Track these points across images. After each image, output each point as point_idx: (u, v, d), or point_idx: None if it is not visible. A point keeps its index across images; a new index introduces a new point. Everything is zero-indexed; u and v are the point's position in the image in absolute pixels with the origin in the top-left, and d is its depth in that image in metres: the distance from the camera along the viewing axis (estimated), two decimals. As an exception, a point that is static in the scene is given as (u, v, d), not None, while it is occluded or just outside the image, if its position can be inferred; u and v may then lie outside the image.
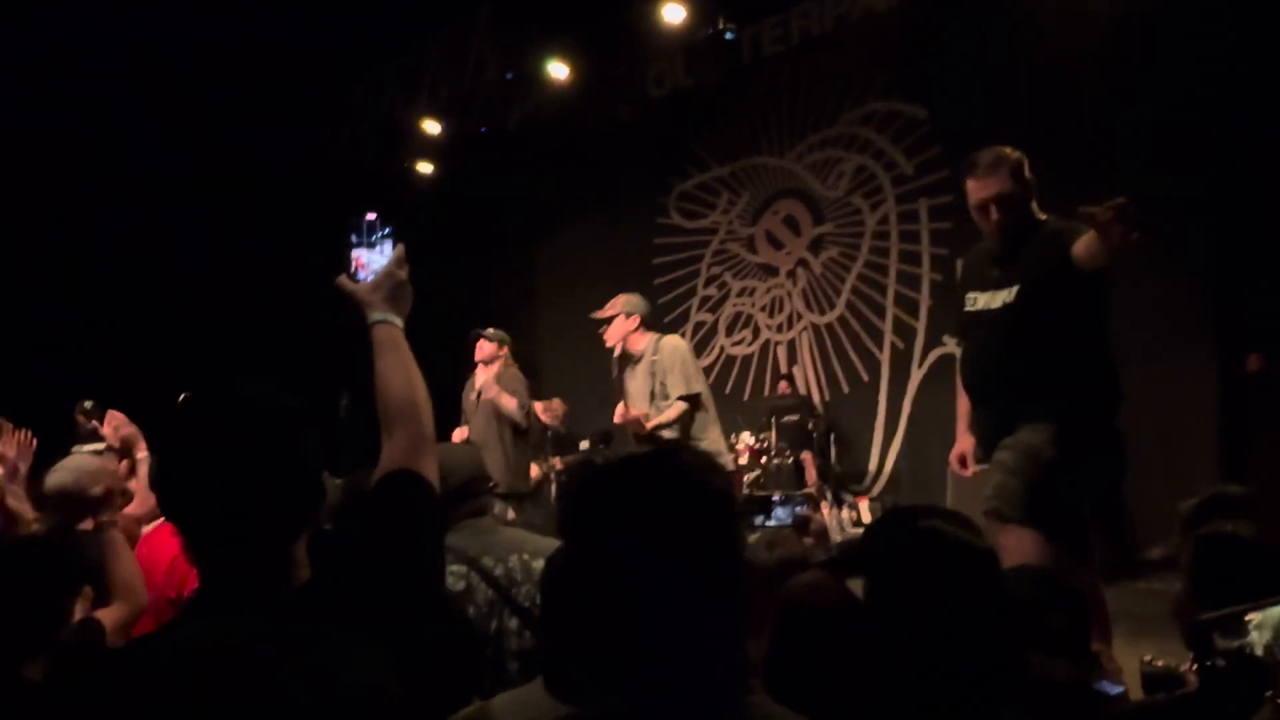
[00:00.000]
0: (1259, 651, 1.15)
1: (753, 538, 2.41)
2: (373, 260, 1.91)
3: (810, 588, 1.51)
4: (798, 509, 2.27)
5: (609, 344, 4.84)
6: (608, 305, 4.89)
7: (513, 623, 2.13)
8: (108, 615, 2.12)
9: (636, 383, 4.74)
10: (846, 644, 1.37)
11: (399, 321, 1.50)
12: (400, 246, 1.55)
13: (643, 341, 4.76)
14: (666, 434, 4.55)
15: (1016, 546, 2.70)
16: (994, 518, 2.80)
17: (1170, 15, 5.80)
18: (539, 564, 2.16)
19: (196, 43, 7.86)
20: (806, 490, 2.41)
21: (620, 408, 4.72)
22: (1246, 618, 1.17)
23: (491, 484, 2.40)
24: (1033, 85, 6.37)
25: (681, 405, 4.52)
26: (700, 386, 4.66)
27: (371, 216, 1.90)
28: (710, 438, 4.63)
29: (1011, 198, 2.93)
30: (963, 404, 3.17)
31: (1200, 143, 5.79)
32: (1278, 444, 5.38)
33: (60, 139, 7.71)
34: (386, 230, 1.91)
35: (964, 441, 3.08)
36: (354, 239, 1.86)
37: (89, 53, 7.51)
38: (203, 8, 7.63)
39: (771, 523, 2.32)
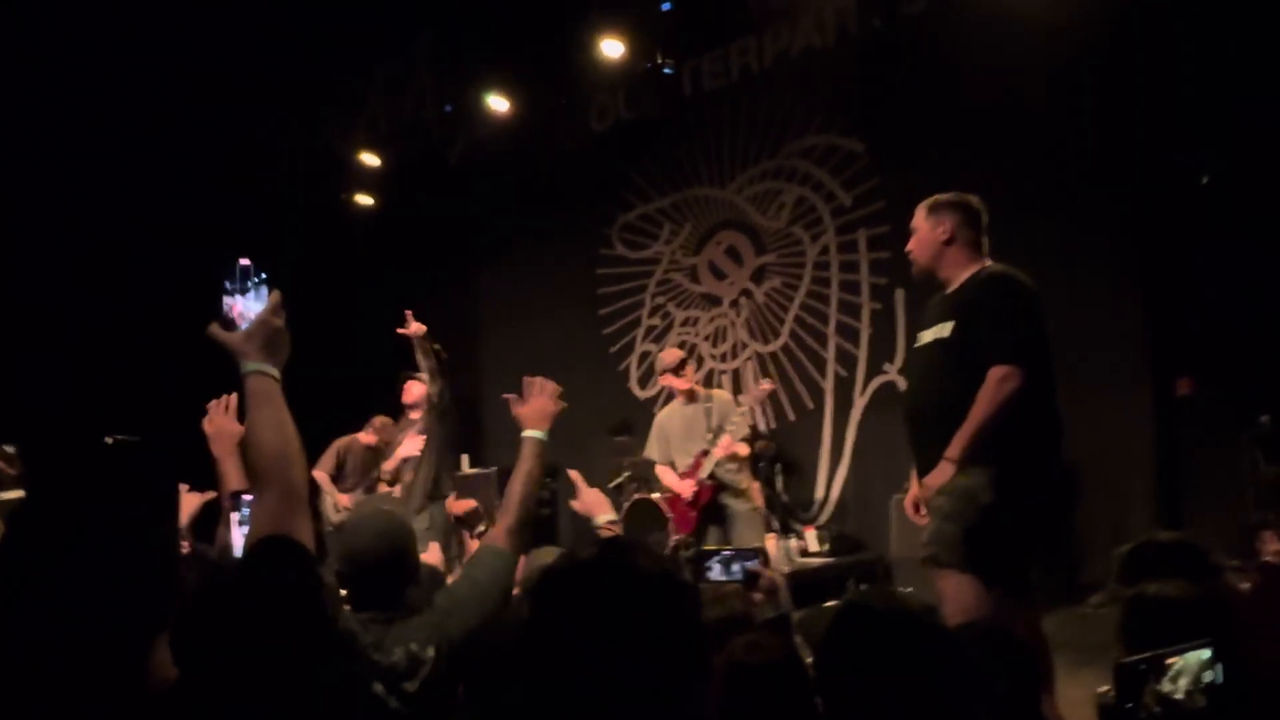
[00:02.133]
0: (1179, 696, 1.15)
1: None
2: (250, 307, 1.82)
3: (750, 646, 1.48)
4: (747, 564, 2.24)
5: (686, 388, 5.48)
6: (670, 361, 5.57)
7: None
8: None
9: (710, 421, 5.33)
10: (792, 702, 1.34)
11: (274, 372, 1.42)
12: (276, 293, 1.47)
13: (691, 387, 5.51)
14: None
15: (955, 593, 2.69)
16: (931, 564, 2.79)
17: (1101, 51, 6.00)
18: (429, 652, 2.07)
19: (125, 70, 7.68)
20: (756, 545, 2.45)
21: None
22: (1167, 661, 1.17)
23: (410, 568, 2.24)
24: (966, 120, 6.54)
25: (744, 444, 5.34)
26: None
27: (245, 262, 1.82)
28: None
29: (932, 239, 3.01)
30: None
31: (1129, 171, 5.98)
32: (1210, 466, 5.53)
33: None
34: (261, 275, 1.82)
35: (915, 488, 3.06)
36: (227, 285, 1.78)
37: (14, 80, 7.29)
38: (130, 34, 7.47)
39: (722, 578, 2.27)
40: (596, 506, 2.41)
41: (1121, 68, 5.94)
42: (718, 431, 5.21)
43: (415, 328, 5.37)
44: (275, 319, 1.45)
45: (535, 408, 2.43)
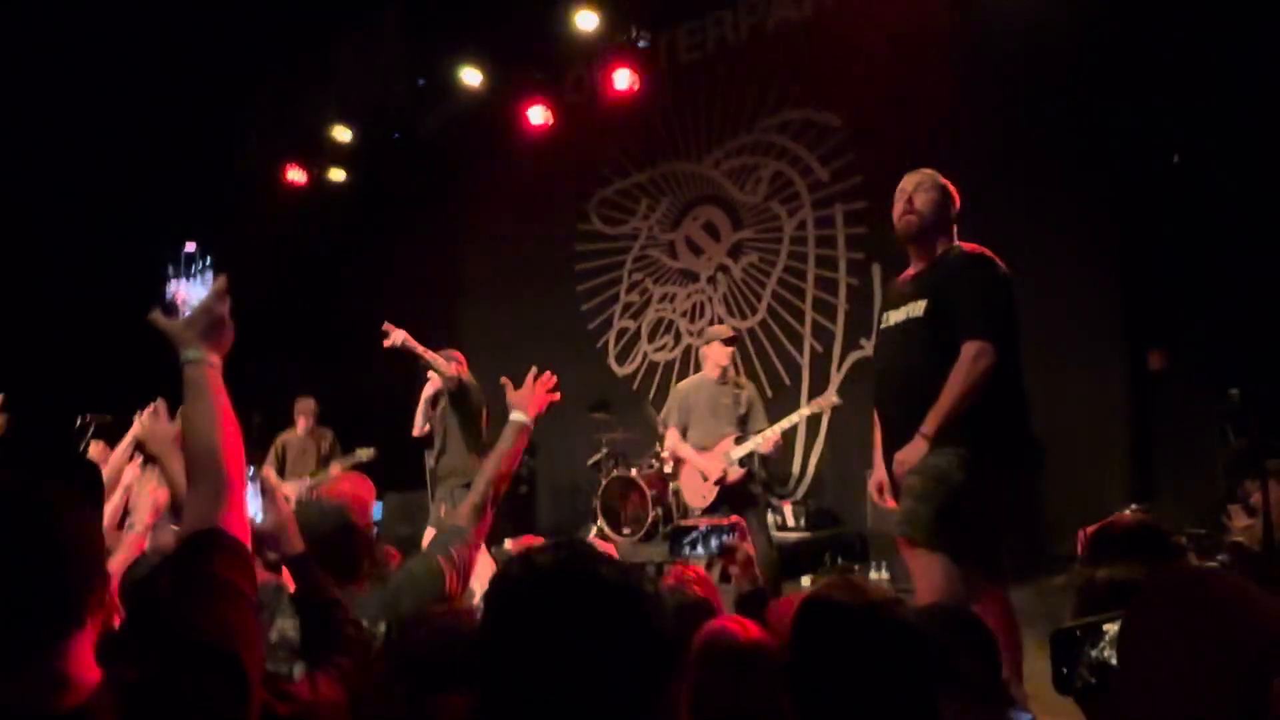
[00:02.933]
0: (1115, 662, 1.17)
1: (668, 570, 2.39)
2: (193, 294, 1.78)
3: (720, 630, 1.49)
4: (724, 538, 2.27)
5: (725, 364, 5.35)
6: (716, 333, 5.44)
7: None
8: None
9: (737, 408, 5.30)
10: (761, 684, 1.35)
11: (214, 360, 1.38)
12: (222, 279, 1.43)
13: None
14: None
15: (926, 571, 2.71)
16: (904, 543, 2.81)
17: (1077, 29, 5.99)
18: (380, 628, 2.07)
19: (92, 43, 7.50)
20: (734, 519, 2.47)
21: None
22: (1104, 627, 1.18)
23: (362, 537, 2.27)
24: (942, 94, 6.52)
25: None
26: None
27: (190, 247, 1.76)
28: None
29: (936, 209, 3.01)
30: (877, 433, 3.18)
31: (1103, 148, 5.99)
32: (1182, 440, 5.60)
33: None
34: (207, 261, 1.77)
35: (880, 471, 3.07)
36: (170, 270, 1.73)
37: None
38: (95, 8, 7.28)
39: (700, 552, 2.31)
40: (520, 402, 2.45)
41: (1097, 47, 5.93)
42: (743, 421, 5.23)
43: (395, 336, 5.32)
44: (218, 306, 1.41)
45: (527, 394, 2.48)
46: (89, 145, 7.83)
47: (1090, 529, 1.87)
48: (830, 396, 5.44)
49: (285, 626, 1.88)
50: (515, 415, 2.48)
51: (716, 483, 5.20)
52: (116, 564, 2.48)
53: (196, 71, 8.10)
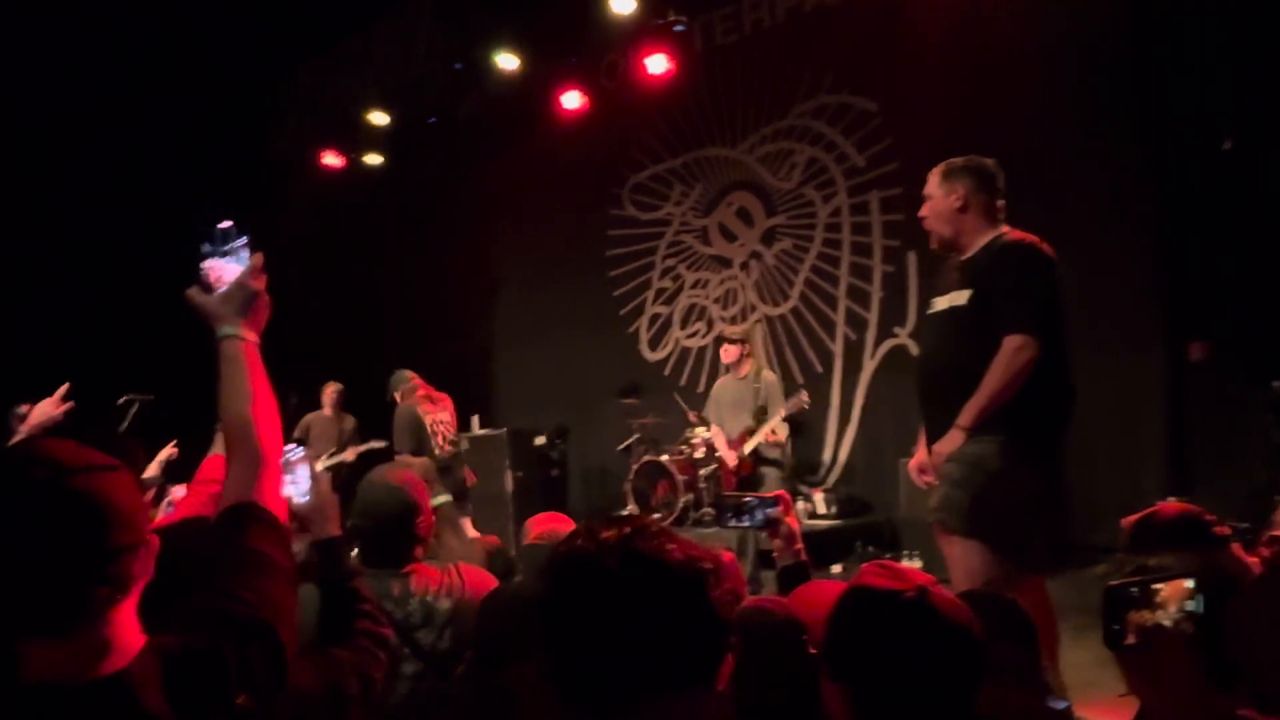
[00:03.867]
0: (1166, 624, 1.17)
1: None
2: (229, 271, 1.79)
3: (756, 609, 1.50)
4: (769, 510, 2.28)
5: (727, 361, 6.05)
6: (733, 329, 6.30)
7: (408, 668, 2.10)
8: None
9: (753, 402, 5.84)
10: (795, 663, 1.36)
11: (252, 336, 1.39)
12: (258, 256, 1.43)
13: (747, 366, 5.97)
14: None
15: (962, 559, 2.70)
16: (940, 529, 2.79)
17: (1121, 11, 5.87)
18: (444, 604, 2.13)
19: (134, 26, 7.60)
20: (779, 493, 2.50)
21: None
22: (1156, 588, 1.19)
23: (422, 521, 2.30)
24: (981, 79, 6.43)
25: (785, 427, 5.78)
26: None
27: (226, 224, 1.78)
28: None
29: (946, 207, 2.96)
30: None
31: (1146, 133, 5.88)
32: (1222, 431, 5.51)
33: None
34: (243, 239, 1.79)
35: (922, 452, 3.04)
36: (207, 248, 1.74)
37: (13, 36, 7.21)
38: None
39: (745, 523, 2.33)
40: None
41: (1142, 28, 5.81)
42: (760, 412, 5.77)
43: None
44: (254, 282, 1.42)
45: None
46: (130, 128, 7.95)
47: (1132, 518, 1.85)
48: (801, 399, 5.95)
49: None
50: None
51: (732, 471, 5.89)
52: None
53: (235, 56, 8.19)
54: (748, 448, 5.79)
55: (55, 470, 1.06)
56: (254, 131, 9.07)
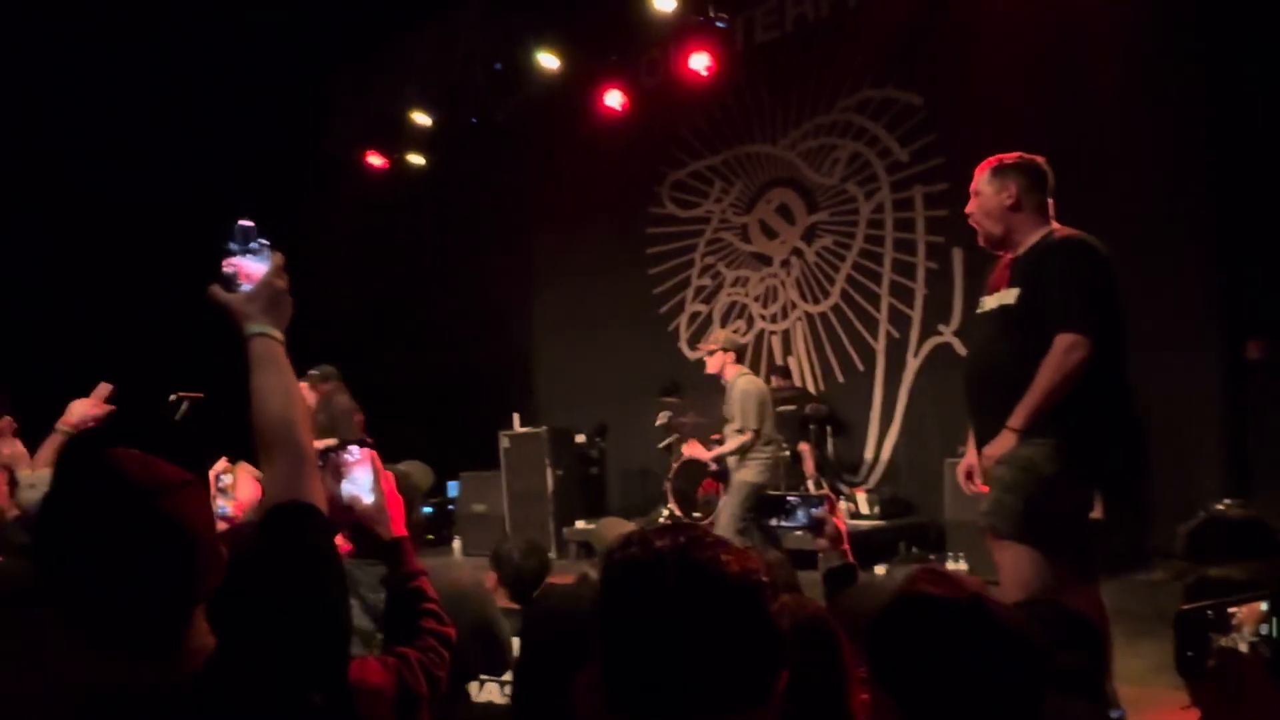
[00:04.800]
0: (1243, 647, 1.13)
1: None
2: (253, 269, 1.79)
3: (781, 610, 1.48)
4: (814, 510, 2.24)
5: (709, 371, 5.82)
6: (709, 340, 6.02)
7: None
8: None
9: (729, 408, 5.70)
10: (822, 662, 1.33)
11: (278, 334, 1.40)
12: (279, 255, 1.44)
13: (732, 372, 5.72)
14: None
15: (1014, 565, 2.63)
16: (991, 534, 2.73)
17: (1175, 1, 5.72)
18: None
19: (181, 30, 7.74)
20: (824, 492, 2.49)
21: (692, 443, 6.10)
22: (1231, 612, 1.14)
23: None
24: (1029, 71, 6.30)
25: (740, 437, 5.56)
26: (755, 423, 5.57)
27: (248, 223, 1.78)
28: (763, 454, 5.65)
29: (997, 204, 2.89)
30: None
31: (1201, 127, 5.72)
32: (1278, 431, 5.35)
33: (24, 132, 7.59)
34: (262, 240, 1.79)
35: (971, 455, 2.97)
36: (232, 246, 1.75)
37: (55, 40, 7.38)
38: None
39: (788, 524, 2.29)
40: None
41: (1202, 18, 5.64)
42: (726, 420, 5.68)
43: None
44: (278, 280, 1.43)
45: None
46: (178, 130, 8.11)
47: (1190, 525, 1.79)
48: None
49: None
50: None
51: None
52: None
53: (281, 58, 8.31)
54: (709, 456, 5.94)
55: (143, 493, 1.09)
56: (302, 133, 9.20)
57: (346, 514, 1.76)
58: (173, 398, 5.15)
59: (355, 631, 1.74)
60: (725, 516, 5.50)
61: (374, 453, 1.79)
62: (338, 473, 1.79)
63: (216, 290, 1.41)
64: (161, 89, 7.98)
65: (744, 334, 8.33)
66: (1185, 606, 1.15)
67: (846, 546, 2.18)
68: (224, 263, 1.42)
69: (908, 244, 7.39)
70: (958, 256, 6.90)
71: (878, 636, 1.22)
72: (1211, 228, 5.73)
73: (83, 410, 2.72)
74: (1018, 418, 2.68)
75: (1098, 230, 2.91)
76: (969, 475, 2.95)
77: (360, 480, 1.76)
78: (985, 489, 2.81)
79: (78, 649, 1.08)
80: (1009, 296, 2.82)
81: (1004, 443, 2.70)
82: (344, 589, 1.27)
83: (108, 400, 2.86)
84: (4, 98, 7.26)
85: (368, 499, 1.76)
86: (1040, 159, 2.97)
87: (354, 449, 1.76)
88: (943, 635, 1.17)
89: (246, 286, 1.41)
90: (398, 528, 1.79)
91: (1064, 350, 2.66)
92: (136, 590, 1.06)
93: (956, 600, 1.18)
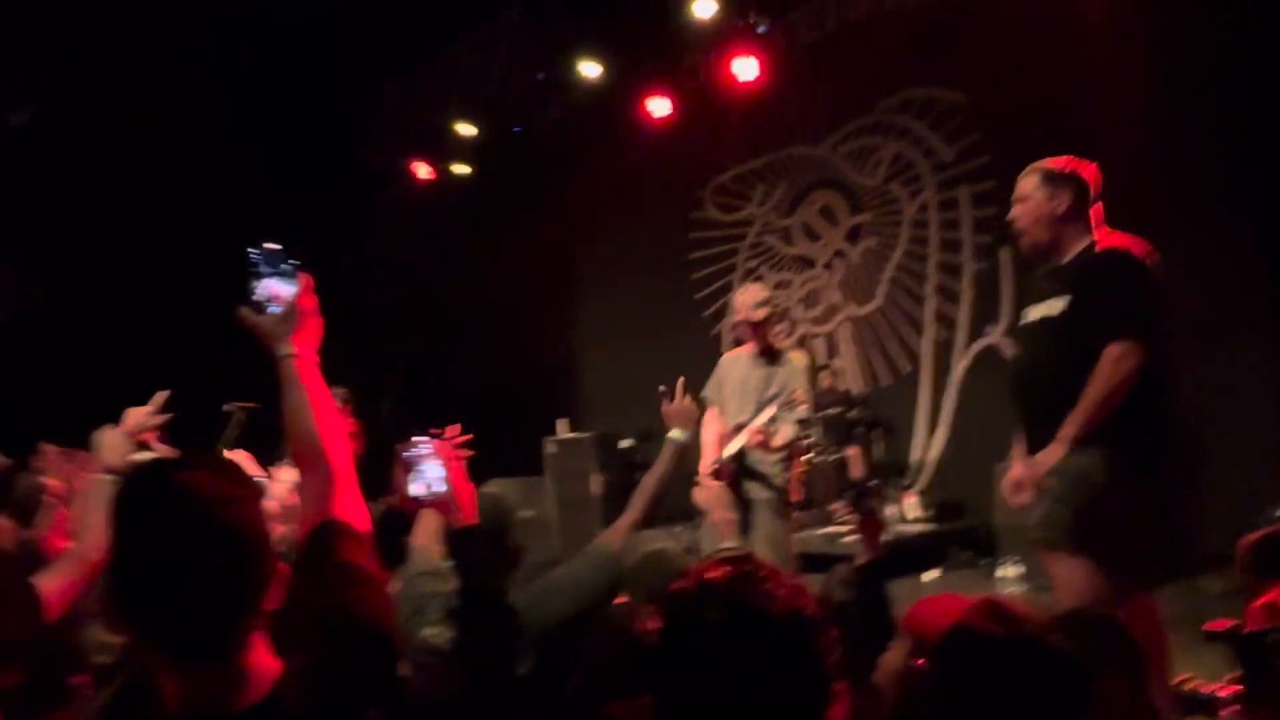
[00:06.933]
0: None
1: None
2: (284, 290, 1.81)
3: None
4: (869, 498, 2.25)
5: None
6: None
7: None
8: None
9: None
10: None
11: (310, 354, 1.42)
12: (307, 276, 1.46)
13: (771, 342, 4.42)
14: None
15: (1067, 577, 2.59)
16: (1043, 546, 2.68)
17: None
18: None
19: (226, 42, 7.89)
20: (873, 482, 2.31)
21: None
22: None
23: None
24: (1074, 68, 6.19)
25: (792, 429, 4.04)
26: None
27: (274, 245, 1.81)
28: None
29: (1048, 212, 2.84)
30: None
31: (1254, 121, 5.56)
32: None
33: (67, 134, 7.80)
34: (290, 260, 1.82)
35: (1018, 466, 2.89)
36: (261, 269, 1.77)
37: (106, 43, 7.54)
38: (226, 6, 7.64)
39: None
40: (677, 419, 2.44)
41: (1250, 14, 5.49)
42: (763, 405, 4.03)
43: None
44: (307, 301, 1.45)
45: (681, 408, 2.48)
46: (225, 143, 8.28)
47: (1252, 538, 1.75)
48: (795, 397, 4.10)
49: (430, 634, 1.85)
50: (674, 433, 2.46)
51: (712, 475, 4.03)
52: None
53: (325, 71, 8.45)
54: (728, 451, 4.09)
55: (206, 505, 1.09)
56: (346, 145, 9.35)
57: (417, 504, 1.84)
58: (227, 407, 5.25)
59: (430, 643, 1.75)
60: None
61: (444, 444, 1.85)
62: (409, 466, 1.87)
63: (246, 313, 1.44)
64: (206, 104, 8.15)
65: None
66: (1249, 630, 1.13)
67: (881, 541, 2.17)
68: (253, 286, 1.45)
69: (953, 244, 7.29)
70: (1005, 256, 6.79)
71: (934, 662, 1.21)
72: (1263, 224, 5.57)
73: (136, 419, 2.72)
74: (1069, 428, 2.63)
75: (1146, 228, 2.86)
76: (1017, 487, 2.90)
77: (430, 472, 1.84)
78: (1031, 502, 2.76)
79: (154, 670, 1.08)
80: (1055, 306, 2.78)
81: (1054, 453, 2.65)
82: (389, 602, 1.29)
83: (164, 408, 2.89)
84: (55, 100, 7.47)
85: (439, 489, 1.82)
86: (1093, 165, 2.91)
87: (420, 444, 1.84)
88: (990, 671, 1.18)
89: (276, 309, 1.43)
90: (465, 515, 1.83)
91: (1114, 360, 2.61)
92: (197, 602, 1.07)
93: (1005, 639, 1.17)
